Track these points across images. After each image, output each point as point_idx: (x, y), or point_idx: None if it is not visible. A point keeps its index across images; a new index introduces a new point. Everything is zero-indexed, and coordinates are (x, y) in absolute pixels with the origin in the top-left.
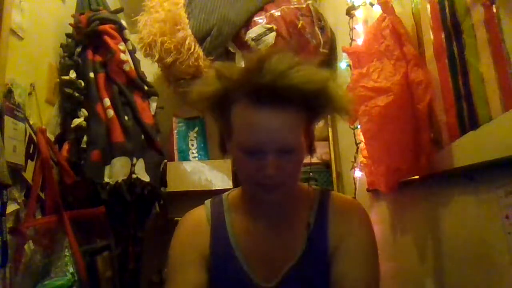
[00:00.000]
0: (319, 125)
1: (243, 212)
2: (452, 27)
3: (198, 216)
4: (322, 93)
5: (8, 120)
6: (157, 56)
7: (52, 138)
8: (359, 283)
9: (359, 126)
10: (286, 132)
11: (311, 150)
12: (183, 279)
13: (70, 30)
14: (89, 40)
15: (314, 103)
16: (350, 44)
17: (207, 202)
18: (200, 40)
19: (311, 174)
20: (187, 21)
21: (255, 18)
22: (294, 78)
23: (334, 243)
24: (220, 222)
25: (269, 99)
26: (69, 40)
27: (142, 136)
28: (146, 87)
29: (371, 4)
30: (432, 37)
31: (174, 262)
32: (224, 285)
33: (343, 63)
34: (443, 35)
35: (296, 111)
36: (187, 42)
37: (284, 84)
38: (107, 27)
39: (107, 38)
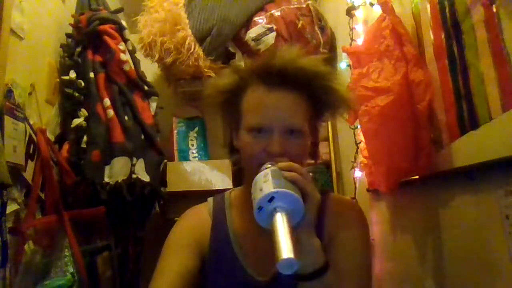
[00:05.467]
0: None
1: (244, 209)
2: (452, 27)
3: (201, 210)
4: (327, 80)
5: (8, 120)
6: (157, 56)
7: (52, 138)
8: (350, 274)
9: (359, 126)
10: (293, 111)
11: (315, 152)
12: (174, 260)
13: (70, 30)
14: (89, 40)
15: (319, 91)
16: (350, 44)
17: (210, 199)
18: (200, 40)
19: (311, 174)
20: (187, 21)
21: (255, 18)
22: (302, 63)
23: (328, 237)
24: (221, 217)
25: (279, 82)
26: (69, 40)
27: (142, 136)
28: (146, 87)
29: (371, 4)
30: (432, 37)
31: (169, 245)
32: (220, 278)
33: (343, 63)
34: (443, 35)
35: (303, 96)
36: (187, 42)
37: (293, 68)
38: (107, 27)
39: (107, 38)
